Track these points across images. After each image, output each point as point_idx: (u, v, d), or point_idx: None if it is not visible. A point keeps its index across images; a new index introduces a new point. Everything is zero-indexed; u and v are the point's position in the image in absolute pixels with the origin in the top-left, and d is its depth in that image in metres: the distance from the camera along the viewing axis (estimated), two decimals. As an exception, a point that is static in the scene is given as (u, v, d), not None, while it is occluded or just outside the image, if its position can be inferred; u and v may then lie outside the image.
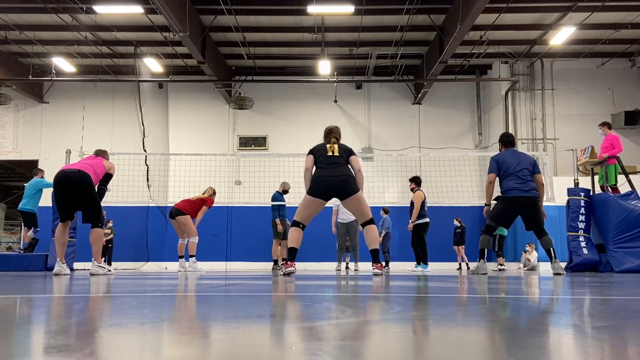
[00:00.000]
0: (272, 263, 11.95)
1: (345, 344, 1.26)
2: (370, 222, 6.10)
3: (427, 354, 1.15)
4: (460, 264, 15.16)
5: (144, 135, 17.42)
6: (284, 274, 6.06)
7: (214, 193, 10.51)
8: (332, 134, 6.42)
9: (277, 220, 11.45)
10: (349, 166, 6.21)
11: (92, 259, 6.80)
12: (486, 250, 7.49)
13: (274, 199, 11.61)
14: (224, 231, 16.68)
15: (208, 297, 2.91)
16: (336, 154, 6.15)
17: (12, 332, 1.45)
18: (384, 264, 11.57)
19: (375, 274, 6.13)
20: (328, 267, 14.12)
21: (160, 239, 16.43)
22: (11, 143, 17.93)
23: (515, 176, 7.15)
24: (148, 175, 16.98)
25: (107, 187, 7.15)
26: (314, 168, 6.27)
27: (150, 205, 16.49)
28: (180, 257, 10.14)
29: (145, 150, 16.95)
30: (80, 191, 6.62)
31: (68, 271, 6.82)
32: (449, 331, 1.48)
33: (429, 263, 10.60)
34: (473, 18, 11.87)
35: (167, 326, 1.62)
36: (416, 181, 10.84)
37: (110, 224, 15.80)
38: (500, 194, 7.40)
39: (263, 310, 2.11)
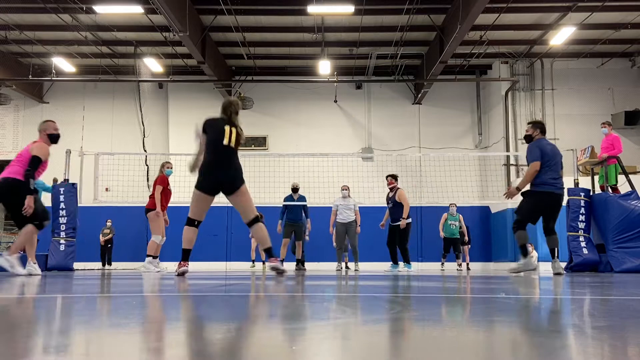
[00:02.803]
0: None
1: (345, 343, 1.26)
2: (257, 220, 5.62)
3: (426, 354, 1.15)
4: (460, 264, 15.13)
5: (144, 135, 17.42)
6: (178, 275, 5.63)
7: (163, 165, 9.46)
8: (231, 107, 5.87)
9: (279, 222, 11.45)
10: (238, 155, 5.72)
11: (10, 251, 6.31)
12: (526, 245, 7.12)
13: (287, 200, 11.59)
14: (224, 231, 16.67)
15: (208, 297, 2.91)
16: (232, 144, 5.63)
17: (12, 332, 1.45)
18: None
19: (275, 268, 5.59)
20: (327, 267, 14.11)
21: (160, 239, 16.42)
22: (11, 143, 17.93)
23: (554, 170, 6.80)
24: (148, 175, 16.97)
25: (34, 176, 6.09)
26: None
27: (150, 205, 16.48)
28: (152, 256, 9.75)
29: (145, 150, 16.94)
30: (4, 202, 6.17)
31: (39, 271, 6.48)
32: (448, 331, 1.48)
33: (411, 262, 10.25)
34: (473, 18, 11.87)
35: (167, 326, 1.62)
36: (395, 178, 10.45)
37: (109, 223, 15.78)
38: (531, 187, 6.89)
39: (263, 310, 2.11)
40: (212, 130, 5.72)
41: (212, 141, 5.62)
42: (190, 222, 5.57)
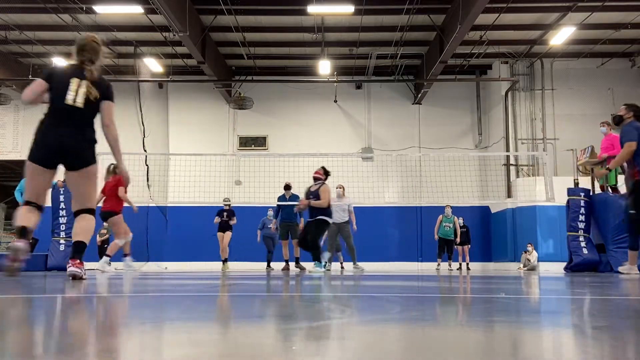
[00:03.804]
0: (284, 263, 11.88)
1: (345, 343, 1.26)
2: (89, 212, 4.41)
3: (426, 353, 1.15)
4: (460, 264, 15.15)
5: (144, 135, 17.41)
6: (8, 249, 4.52)
7: (116, 167, 8.03)
8: (85, 52, 4.40)
9: (274, 221, 11.65)
10: (94, 126, 4.39)
11: None
12: None
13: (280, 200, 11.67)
14: (224, 231, 16.68)
15: (208, 297, 2.91)
16: (79, 103, 4.23)
17: (12, 332, 1.45)
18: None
19: (72, 275, 4.20)
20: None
21: (160, 239, 16.41)
22: (11, 143, 17.93)
23: None
24: (148, 175, 16.97)
25: None
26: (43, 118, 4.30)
27: (150, 205, 16.48)
28: (125, 255, 9.71)
29: (145, 150, 16.93)
30: None
31: None
32: (448, 331, 1.47)
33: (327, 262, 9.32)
34: (473, 18, 11.87)
35: (167, 326, 1.62)
36: (327, 173, 8.99)
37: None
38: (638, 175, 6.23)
39: (263, 311, 2.12)
40: (56, 82, 4.29)
41: (54, 98, 4.26)
42: (27, 204, 4.30)
